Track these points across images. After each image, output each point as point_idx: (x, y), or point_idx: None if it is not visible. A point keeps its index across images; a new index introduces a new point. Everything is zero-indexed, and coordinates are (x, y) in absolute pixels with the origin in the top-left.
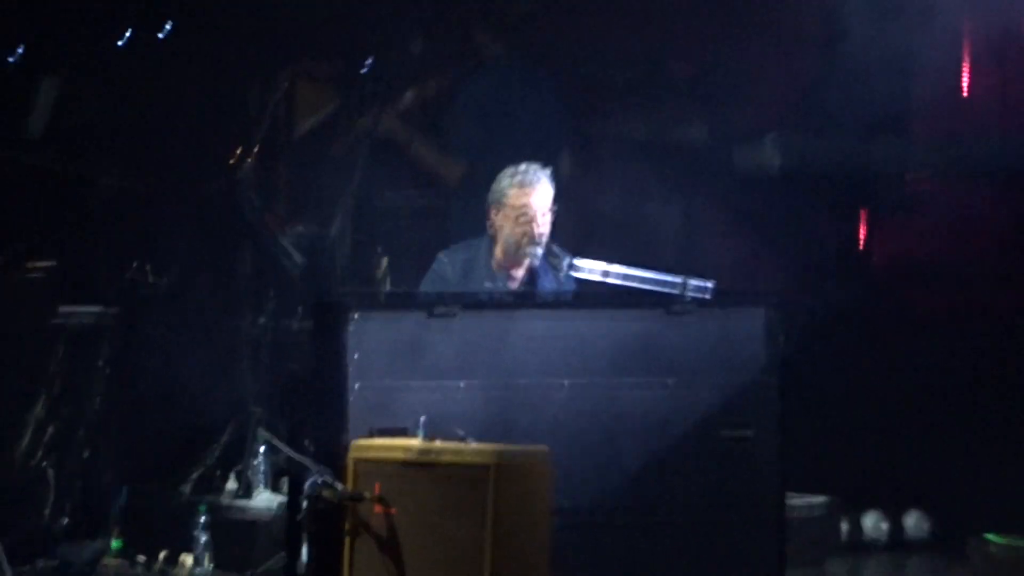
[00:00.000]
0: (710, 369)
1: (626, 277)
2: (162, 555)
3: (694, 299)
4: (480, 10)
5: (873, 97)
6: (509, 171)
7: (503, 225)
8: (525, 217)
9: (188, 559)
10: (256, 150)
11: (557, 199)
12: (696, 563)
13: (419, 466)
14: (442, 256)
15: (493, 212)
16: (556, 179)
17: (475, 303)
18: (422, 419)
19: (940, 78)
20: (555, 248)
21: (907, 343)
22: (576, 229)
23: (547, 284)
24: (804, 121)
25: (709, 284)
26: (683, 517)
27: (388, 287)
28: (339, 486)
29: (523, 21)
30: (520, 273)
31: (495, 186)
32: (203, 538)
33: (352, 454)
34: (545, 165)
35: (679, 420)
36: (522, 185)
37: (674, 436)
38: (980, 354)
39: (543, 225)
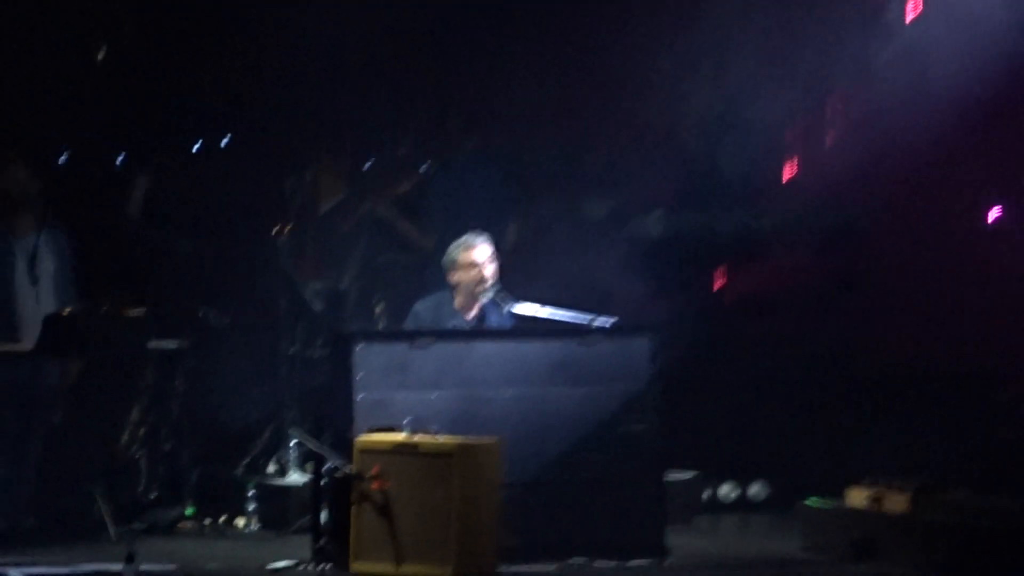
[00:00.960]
0: (611, 381)
1: (551, 315)
2: (223, 518)
3: (599, 330)
4: (463, 116)
5: (726, 182)
6: (455, 243)
7: (460, 279)
8: (474, 269)
9: (241, 521)
10: (290, 225)
11: (496, 256)
12: (602, 520)
13: (405, 453)
14: (417, 305)
15: (450, 273)
16: (503, 244)
17: (443, 335)
18: (407, 419)
19: (774, 167)
20: (499, 294)
21: (750, 358)
22: (518, 280)
23: (494, 320)
24: (679, 201)
25: (610, 320)
26: (593, 488)
27: (383, 325)
28: (348, 467)
29: (491, 121)
30: (474, 313)
31: (447, 256)
32: (252, 506)
33: (357, 445)
34: (483, 232)
35: (590, 418)
36: (467, 248)
37: (586, 429)
38: (801, 365)
39: (488, 273)
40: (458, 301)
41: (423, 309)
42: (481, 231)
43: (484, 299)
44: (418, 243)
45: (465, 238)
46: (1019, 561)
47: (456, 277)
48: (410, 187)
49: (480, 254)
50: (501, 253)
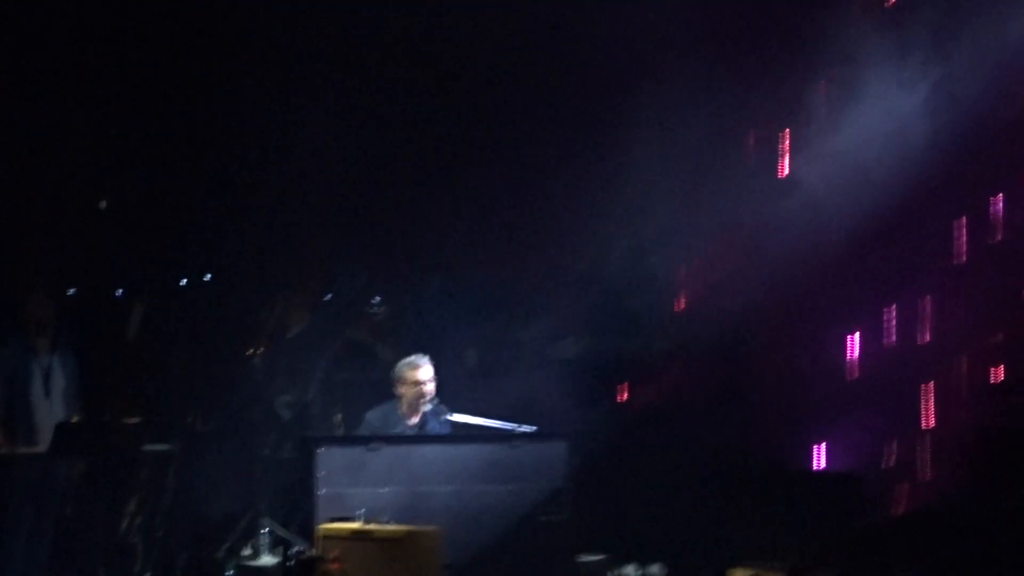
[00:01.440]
0: (532, 478)
1: (482, 423)
2: None
3: (523, 435)
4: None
5: (625, 312)
6: (403, 361)
7: (405, 392)
8: (417, 385)
9: None
10: (262, 349)
11: (436, 375)
12: None
13: (360, 539)
14: (368, 413)
15: (398, 385)
16: (466, 365)
17: (392, 440)
18: (361, 510)
19: (666, 299)
20: (437, 406)
21: (650, 459)
22: (468, 393)
23: (434, 427)
24: (591, 327)
25: (532, 428)
26: (517, 569)
27: (342, 431)
28: (312, 551)
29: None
30: (416, 420)
31: (395, 371)
32: None
33: (320, 532)
34: (426, 355)
35: (515, 509)
36: (413, 367)
37: (512, 519)
38: (694, 463)
39: (428, 388)
40: (403, 409)
41: (374, 417)
42: (424, 354)
43: (425, 409)
44: (391, 362)
45: (412, 358)
46: None
47: (402, 390)
48: (384, 316)
49: (424, 373)
50: (464, 372)
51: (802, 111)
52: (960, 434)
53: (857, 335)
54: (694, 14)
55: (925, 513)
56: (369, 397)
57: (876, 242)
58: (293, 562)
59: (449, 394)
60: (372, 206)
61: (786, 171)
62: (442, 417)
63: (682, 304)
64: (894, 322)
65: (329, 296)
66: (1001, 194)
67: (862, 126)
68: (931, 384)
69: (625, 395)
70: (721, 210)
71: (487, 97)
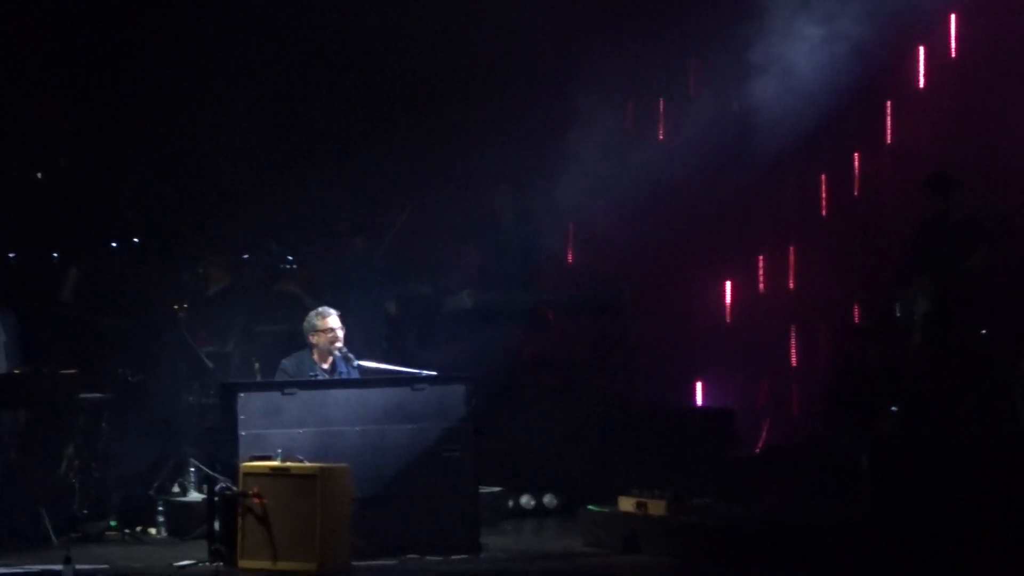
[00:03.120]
0: (435, 418)
1: (388, 368)
2: (139, 529)
3: (426, 379)
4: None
5: (518, 265)
6: (314, 311)
7: (318, 340)
8: (330, 332)
9: (153, 530)
10: (186, 304)
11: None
12: (430, 526)
13: (279, 475)
14: (284, 361)
15: (310, 335)
16: (387, 316)
17: (305, 384)
18: (279, 450)
19: (555, 254)
20: (347, 352)
21: (542, 400)
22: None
23: (344, 372)
24: (482, 281)
25: (433, 373)
26: (422, 501)
27: (259, 378)
28: (235, 487)
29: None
30: (326, 366)
31: (307, 322)
32: (161, 519)
33: (242, 470)
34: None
35: (418, 446)
36: (323, 316)
37: (416, 455)
38: (582, 404)
39: (339, 335)
40: (316, 357)
41: (289, 364)
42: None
43: (336, 355)
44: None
45: (322, 309)
46: (749, 552)
47: (314, 339)
48: (313, 272)
49: (333, 321)
50: (386, 323)
51: (677, 83)
52: (822, 374)
53: (729, 283)
54: None
55: (791, 445)
56: (285, 346)
57: (746, 197)
58: (218, 498)
59: (367, 345)
60: (290, 174)
61: (662, 136)
62: (352, 363)
63: (570, 259)
64: (762, 271)
65: (247, 256)
66: (857, 153)
67: (732, 95)
68: (795, 328)
69: (518, 344)
70: (605, 171)
71: (395, 70)
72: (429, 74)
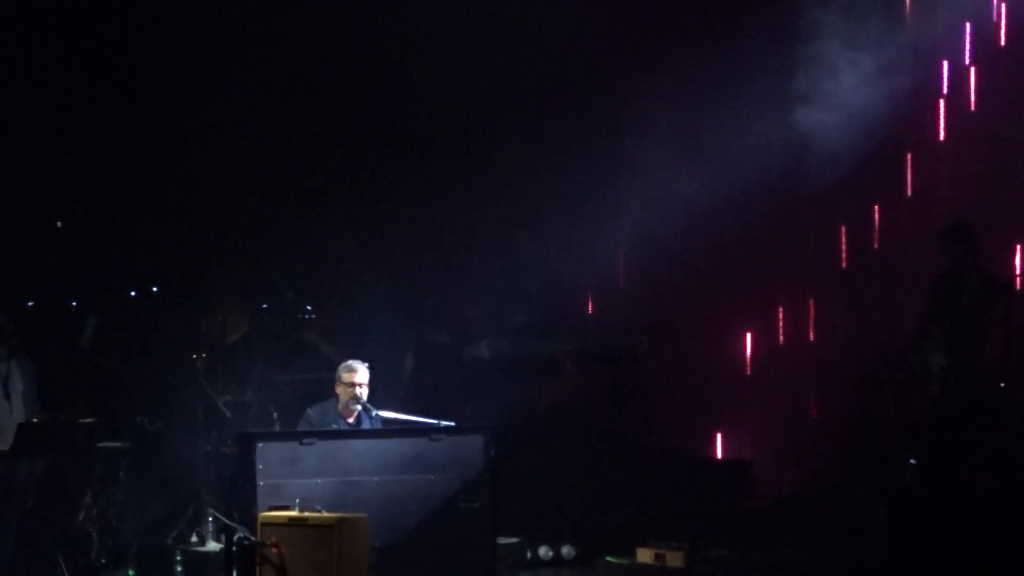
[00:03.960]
0: (453, 468)
1: (407, 420)
2: None
3: (444, 430)
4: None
5: (536, 314)
6: (343, 365)
7: (341, 392)
8: (352, 387)
9: None
10: (205, 353)
11: (368, 378)
12: (447, 574)
13: (296, 525)
14: (309, 410)
15: (336, 386)
16: (404, 370)
17: (324, 434)
18: (297, 500)
19: (575, 304)
20: (365, 405)
21: (559, 449)
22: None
23: (367, 424)
24: (500, 331)
25: (451, 423)
26: (439, 551)
27: (278, 427)
28: (252, 538)
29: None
30: (352, 419)
31: (337, 372)
32: (179, 568)
33: (260, 519)
34: (365, 362)
35: (436, 496)
36: (350, 370)
37: (434, 505)
38: (599, 454)
39: (360, 391)
40: (340, 408)
41: (313, 413)
42: (363, 361)
43: (354, 408)
44: (337, 361)
45: (351, 362)
46: None
47: (339, 390)
48: (329, 321)
49: (357, 377)
50: (402, 375)
51: (690, 137)
52: (840, 425)
53: (749, 334)
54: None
55: (808, 495)
56: (304, 395)
57: (765, 248)
58: (236, 547)
59: (384, 393)
60: (308, 222)
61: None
62: (372, 414)
63: (589, 308)
64: (781, 322)
65: (265, 305)
66: (877, 204)
67: (747, 145)
68: (813, 379)
69: (534, 395)
70: (624, 220)
71: (414, 118)
72: (449, 122)
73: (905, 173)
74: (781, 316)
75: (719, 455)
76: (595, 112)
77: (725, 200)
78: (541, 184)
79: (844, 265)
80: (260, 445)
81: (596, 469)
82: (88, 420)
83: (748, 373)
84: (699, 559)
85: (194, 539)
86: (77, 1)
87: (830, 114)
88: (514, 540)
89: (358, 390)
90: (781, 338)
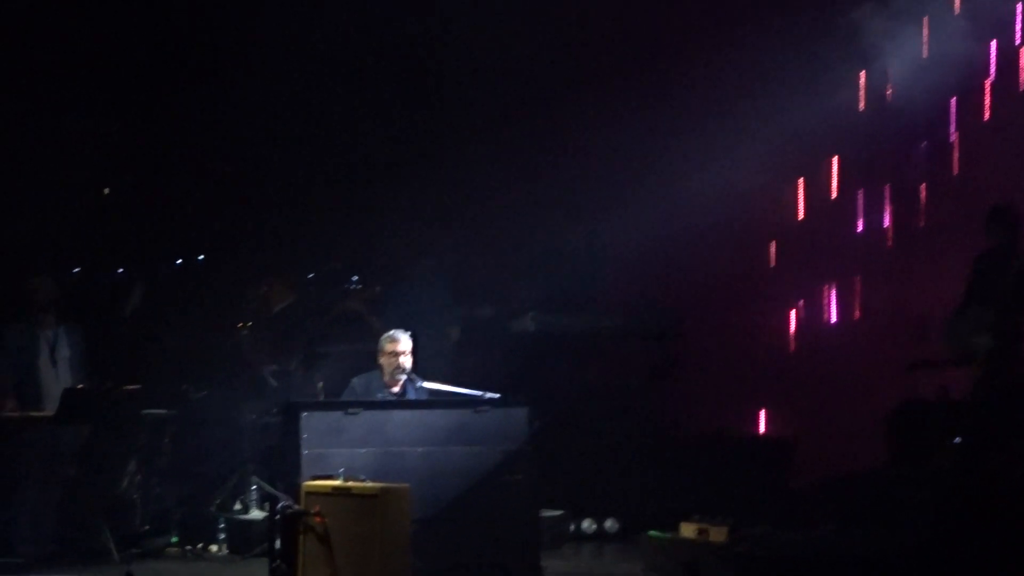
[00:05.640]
0: (497, 440)
1: (452, 391)
2: (200, 545)
3: (489, 402)
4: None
5: (576, 290)
6: (386, 335)
7: (384, 362)
8: (395, 356)
9: (214, 547)
10: (250, 322)
11: (412, 348)
12: (490, 548)
13: (340, 495)
14: (354, 380)
15: (379, 356)
16: (449, 341)
17: (368, 405)
18: (341, 470)
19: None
20: (409, 375)
21: (602, 423)
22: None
23: (412, 394)
24: (545, 305)
25: (496, 395)
26: (483, 523)
27: (322, 397)
28: (296, 506)
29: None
30: (397, 389)
31: (379, 342)
32: (222, 536)
33: (303, 488)
34: (407, 331)
35: (480, 469)
36: (393, 340)
37: (477, 477)
38: (642, 428)
39: (403, 360)
40: (385, 378)
41: (358, 383)
42: (406, 330)
43: (399, 378)
44: (381, 333)
45: (393, 332)
46: None
47: (382, 360)
48: (378, 292)
49: (401, 346)
50: (447, 347)
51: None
52: (884, 404)
53: (794, 312)
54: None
55: (851, 475)
56: (349, 366)
57: (812, 227)
58: (280, 516)
59: (430, 365)
60: (356, 194)
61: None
62: (417, 384)
63: (632, 284)
64: (828, 300)
65: (311, 275)
66: (924, 184)
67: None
68: (859, 358)
69: (573, 369)
70: (669, 195)
71: (459, 94)
72: (496, 98)
73: (952, 153)
74: (827, 295)
75: (762, 433)
76: (637, 90)
77: (770, 178)
78: (585, 160)
79: (890, 244)
80: (305, 414)
81: (639, 444)
82: (133, 387)
83: (792, 351)
84: (742, 535)
85: (237, 507)
86: None
87: (875, 94)
88: (557, 513)
89: (400, 359)
90: (827, 316)
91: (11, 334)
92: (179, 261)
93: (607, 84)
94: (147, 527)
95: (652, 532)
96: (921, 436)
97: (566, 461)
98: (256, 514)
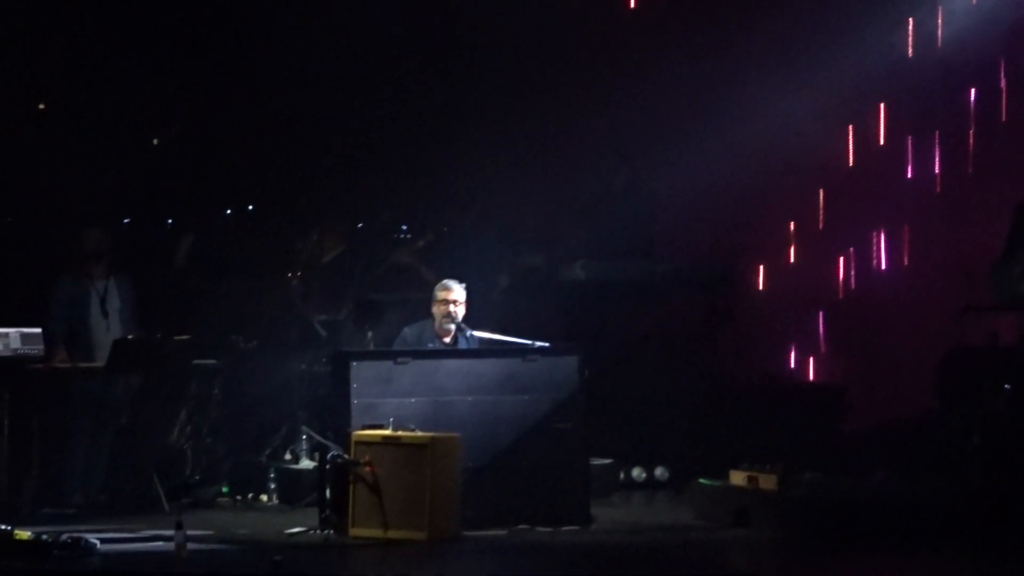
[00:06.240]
0: (547, 389)
1: (502, 340)
2: (250, 495)
3: (538, 350)
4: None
5: (630, 236)
6: (440, 283)
7: (436, 311)
8: (446, 305)
9: (264, 497)
10: (300, 273)
11: (465, 297)
12: (541, 496)
13: (390, 444)
14: (405, 329)
15: (432, 304)
16: (498, 288)
17: (418, 354)
18: (391, 419)
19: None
20: (460, 324)
21: (653, 372)
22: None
23: (462, 345)
24: (595, 252)
25: (546, 344)
26: (533, 472)
27: (372, 347)
28: (346, 455)
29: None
30: (448, 339)
31: (434, 291)
32: (272, 485)
33: (353, 438)
34: (461, 282)
35: (530, 417)
36: (445, 289)
37: (527, 426)
38: (692, 376)
39: (454, 309)
40: (436, 327)
41: (410, 333)
42: (459, 280)
43: (448, 327)
44: (432, 283)
45: (446, 281)
46: (858, 526)
47: (435, 308)
48: (428, 243)
49: (454, 295)
50: (497, 295)
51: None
52: (934, 351)
53: (842, 259)
54: None
55: (902, 421)
56: (399, 316)
57: (860, 173)
58: (330, 466)
59: (480, 315)
60: (404, 149)
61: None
62: (468, 333)
63: (682, 230)
64: (877, 247)
65: (361, 225)
66: (972, 130)
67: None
68: (907, 304)
69: (626, 316)
70: (718, 143)
71: (503, 45)
72: (538, 48)
73: (1000, 99)
74: (876, 241)
75: (812, 380)
76: (689, 37)
77: (820, 125)
78: (636, 107)
79: (938, 190)
80: (355, 364)
81: (690, 392)
82: (183, 338)
83: (841, 298)
84: (792, 482)
85: (288, 457)
86: None
87: (923, 41)
88: (607, 461)
89: (452, 308)
90: (876, 263)
91: (62, 286)
92: (229, 211)
93: (660, 29)
94: (197, 477)
95: (702, 480)
96: (971, 382)
97: (616, 409)
98: (306, 464)
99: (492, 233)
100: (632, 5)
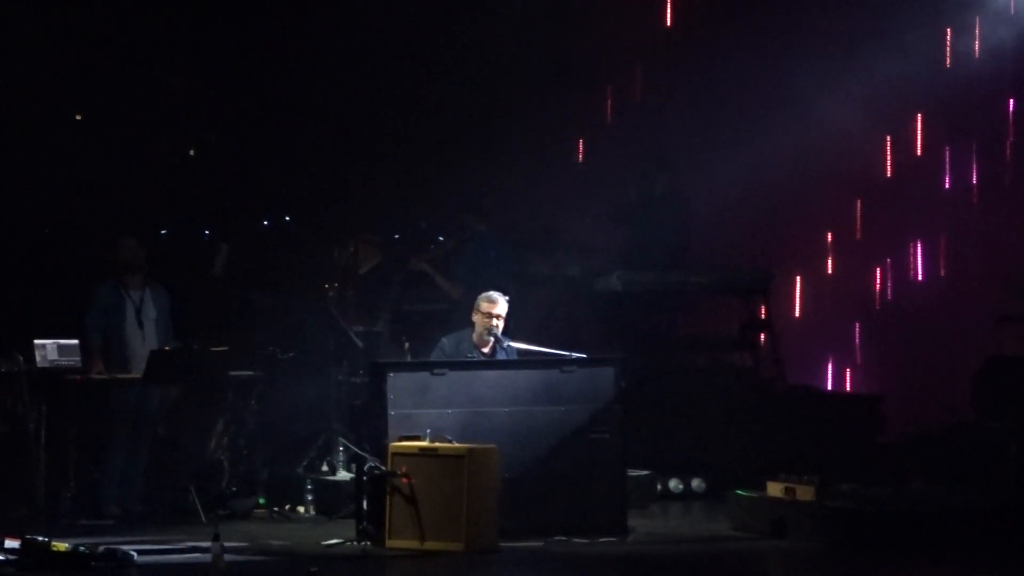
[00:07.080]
0: (584, 400)
1: (539, 351)
2: (287, 507)
3: (575, 361)
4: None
5: (667, 246)
6: (484, 295)
7: (478, 321)
8: (488, 318)
9: (301, 508)
10: (337, 284)
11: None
12: (578, 507)
13: (427, 455)
14: (444, 339)
15: (474, 314)
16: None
17: (455, 365)
18: (428, 430)
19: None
20: (500, 336)
21: (690, 382)
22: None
23: (500, 356)
24: (631, 263)
25: (582, 355)
26: (570, 483)
27: (409, 358)
28: (383, 467)
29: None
30: (487, 349)
31: (477, 301)
32: (309, 497)
33: (390, 449)
34: (505, 295)
35: (567, 428)
36: (490, 301)
37: (564, 437)
38: (729, 387)
39: (497, 324)
40: (475, 338)
41: (448, 342)
42: (503, 293)
43: (490, 339)
44: (450, 293)
45: (491, 293)
46: (896, 536)
47: (475, 318)
48: (446, 250)
49: (498, 308)
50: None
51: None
52: (972, 360)
53: (879, 270)
54: None
55: (939, 431)
56: (435, 326)
57: (898, 183)
58: (367, 477)
59: (517, 326)
60: (439, 160)
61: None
62: (504, 344)
63: (720, 242)
64: (915, 257)
65: (397, 236)
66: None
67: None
68: (946, 314)
69: (664, 326)
70: (755, 151)
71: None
72: (576, 57)
73: None
74: (913, 252)
75: (849, 390)
76: (725, 45)
77: (857, 135)
78: (673, 116)
79: (975, 201)
80: (391, 375)
81: (726, 403)
82: (220, 348)
83: (877, 308)
84: (829, 493)
85: (324, 468)
86: None
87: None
88: (644, 472)
89: (494, 321)
90: (914, 273)
91: (98, 296)
92: (266, 222)
93: (698, 41)
94: (234, 488)
95: (739, 491)
96: (1008, 392)
97: (653, 420)
98: (343, 475)
99: (506, 247)
100: (668, 24)
